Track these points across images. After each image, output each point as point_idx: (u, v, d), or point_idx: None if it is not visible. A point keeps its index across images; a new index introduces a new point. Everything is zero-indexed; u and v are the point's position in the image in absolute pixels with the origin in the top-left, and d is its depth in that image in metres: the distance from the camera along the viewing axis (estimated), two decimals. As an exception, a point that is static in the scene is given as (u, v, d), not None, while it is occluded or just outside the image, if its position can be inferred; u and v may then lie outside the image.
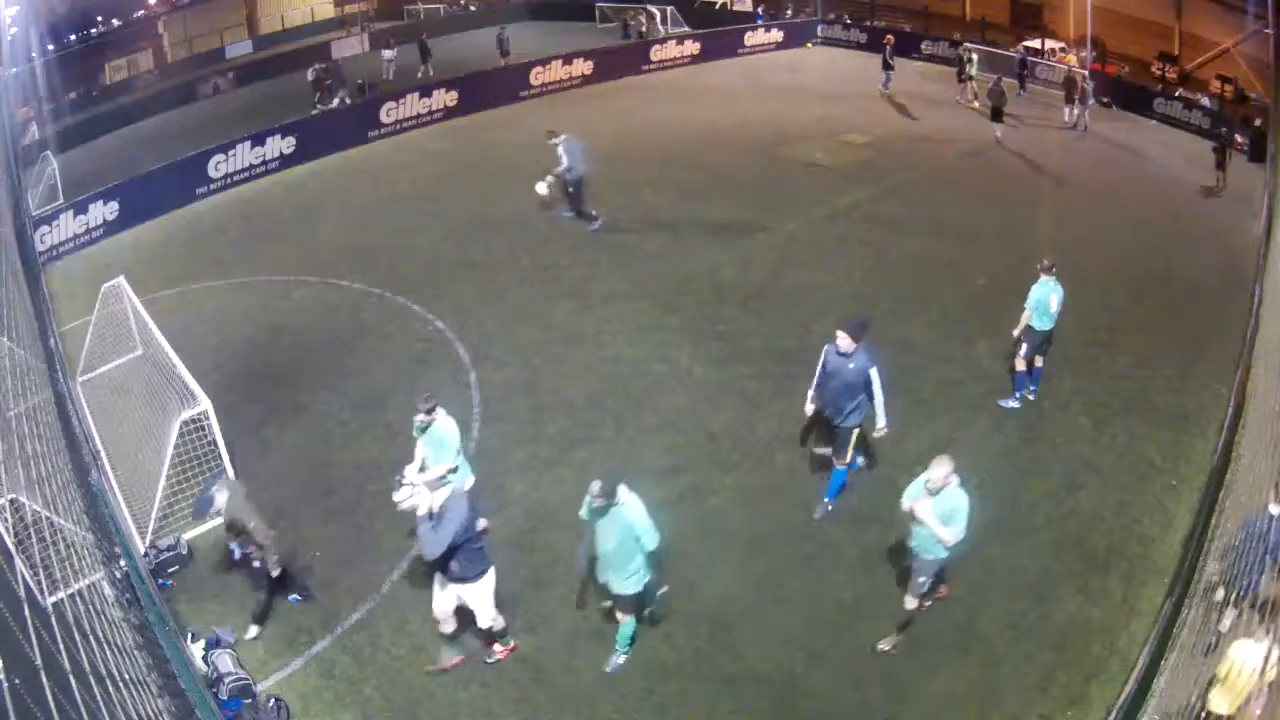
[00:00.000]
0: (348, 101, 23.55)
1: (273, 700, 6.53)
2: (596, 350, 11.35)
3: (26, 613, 3.34)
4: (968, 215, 15.40)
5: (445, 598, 6.59)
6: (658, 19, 32.17)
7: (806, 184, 17.15)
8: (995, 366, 10.56)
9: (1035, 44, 27.69)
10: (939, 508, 6.29)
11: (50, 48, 30.19)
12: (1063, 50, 27.31)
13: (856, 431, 7.96)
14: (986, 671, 6.72)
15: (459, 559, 6.28)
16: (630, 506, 6.19)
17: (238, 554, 7.19)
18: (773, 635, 7.11)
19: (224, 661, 6.56)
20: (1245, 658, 4.85)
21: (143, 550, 7.84)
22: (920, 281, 12.92)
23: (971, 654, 6.88)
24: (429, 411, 7.45)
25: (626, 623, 6.76)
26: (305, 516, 8.62)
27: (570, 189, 15.05)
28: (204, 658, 6.60)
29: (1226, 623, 5.54)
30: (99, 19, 36.31)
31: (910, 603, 6.76)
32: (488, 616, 6.64)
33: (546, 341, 11.61)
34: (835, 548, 7.99)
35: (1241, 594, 5.45)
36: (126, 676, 4.25)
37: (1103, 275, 12.95)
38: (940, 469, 6.24)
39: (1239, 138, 18.92)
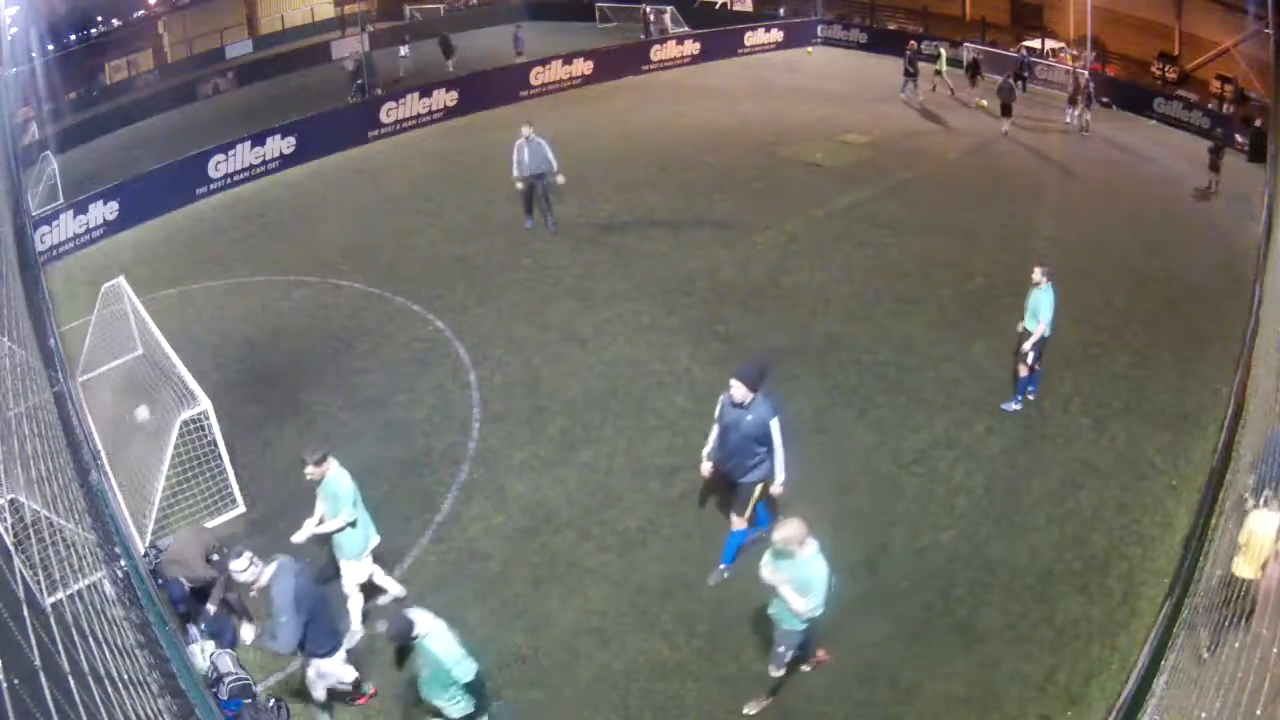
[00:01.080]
0: (379, 93, 23.99)
1: (273, 700, 6.52)
2: (596, 350, 11.36)
3: (26, 613, 3.34)
4: (968, 215, 15.40)
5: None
6: (667, 17, 32.21)
7: (806, 184, 17.15)
8: (995, 366, 10.56)
9: (1035, 44, 27.69)
10: (794, 574, 5.71)
11: (50, 48, 30.18)
12: (1063, 50, 27.31)
13: (759, 487, 7.21)
14: (986, 671, 6.72)
15: (306, 632, 5.84)
16: (434, 639, 5.44)
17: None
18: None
19: (224, 661, 6.56)
20: (1263, 527, 5.58)
21: (143, 550, 7.83)
22: (920, 281, 12.92)
23: (971, 654, 6.88)
24: (317, 463, 6.72)
25: None
26: (305, 516, 8.59)
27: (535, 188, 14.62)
28: (211, 656, 6.61)
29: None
30: (99, 19, 36.29)
31: (775, 671, 6.22)
32: (321, 690, 6.25)
33: (546, 341, 11.61)
34: (835, 548, 7.95)
35: (1273, 493, 5.95)
36: (126, 677, 4.25)
37: (1103, 275, 12.96)
38: (787, 530, 5.64)
39: (1239, 138, 18.93)
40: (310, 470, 6.76)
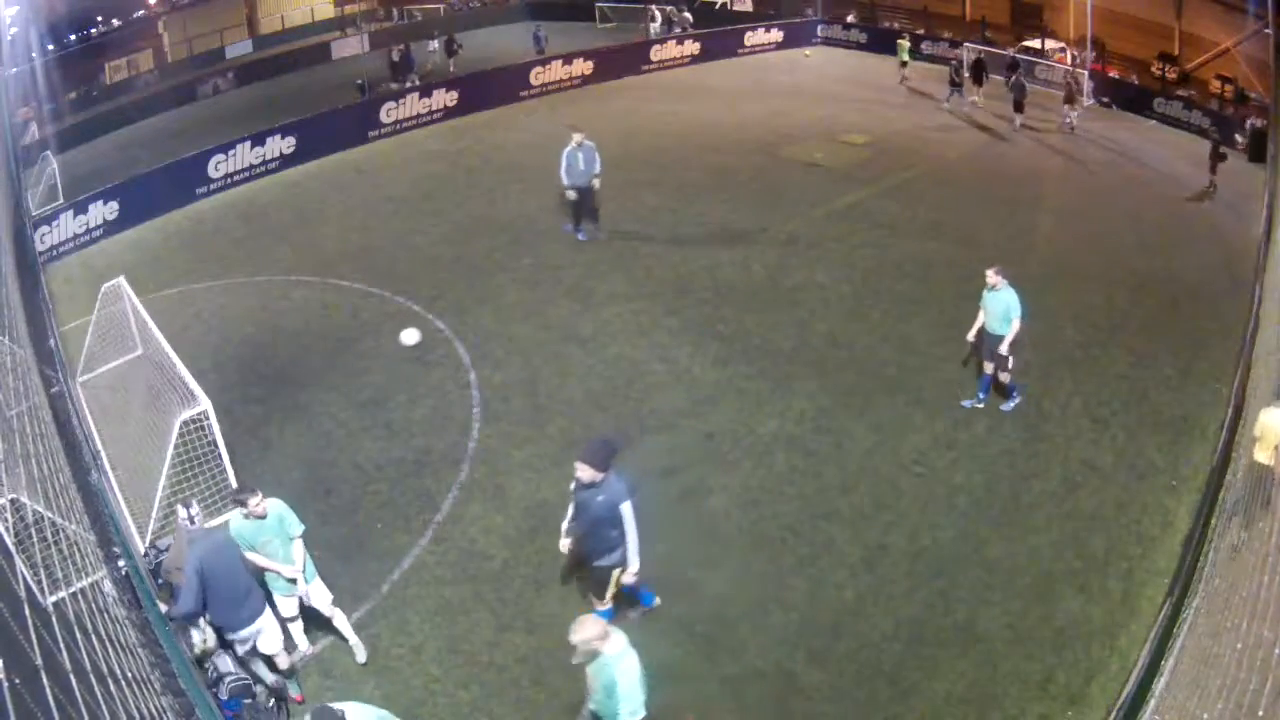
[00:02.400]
0: (416, 82, 24.72)
1: (273, 700, 6.52)
2: (596, 350, 11.36)
3: (27, 612, 3.35)
4: (967, 215, 15.41)
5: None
6: (687, 14, 32.29)
7: (806, 184, 17.15)
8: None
9: (1035, 44, 27.70)
10: (601, 676, 5.22)
11: (50, 48, 30.19)
12: (1061, 51, 27.31)
13: (617, 573, 6.67)
14: (986, 671, 6.72)
15: (208, 604, 6.13)
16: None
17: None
18: (773, 635, 7.12)
19: (224, 661, 6.56)
20: (1274, 420, 6.58)
21: (143, 550, 7.84)
22: (920, 281, 12.92)
23: (971, 654, 6.88)
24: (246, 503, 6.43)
25: None
26: (305, 516, 8.52)
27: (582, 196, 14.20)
28: (211, 656, 6.62)
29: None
30: (99, 19, 36.30)
31: None
32: (277, 651, 6.48)
33: (546, 341, 11.62)
34: (835, 548, 8.00)
35: None
36: (127, 676, 4.25)
37: (1103, 275, 12.97)
38: (582, 631, 5.07)
39: (1238, 137, 18.93)
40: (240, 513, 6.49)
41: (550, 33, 31.57)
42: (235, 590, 6.30)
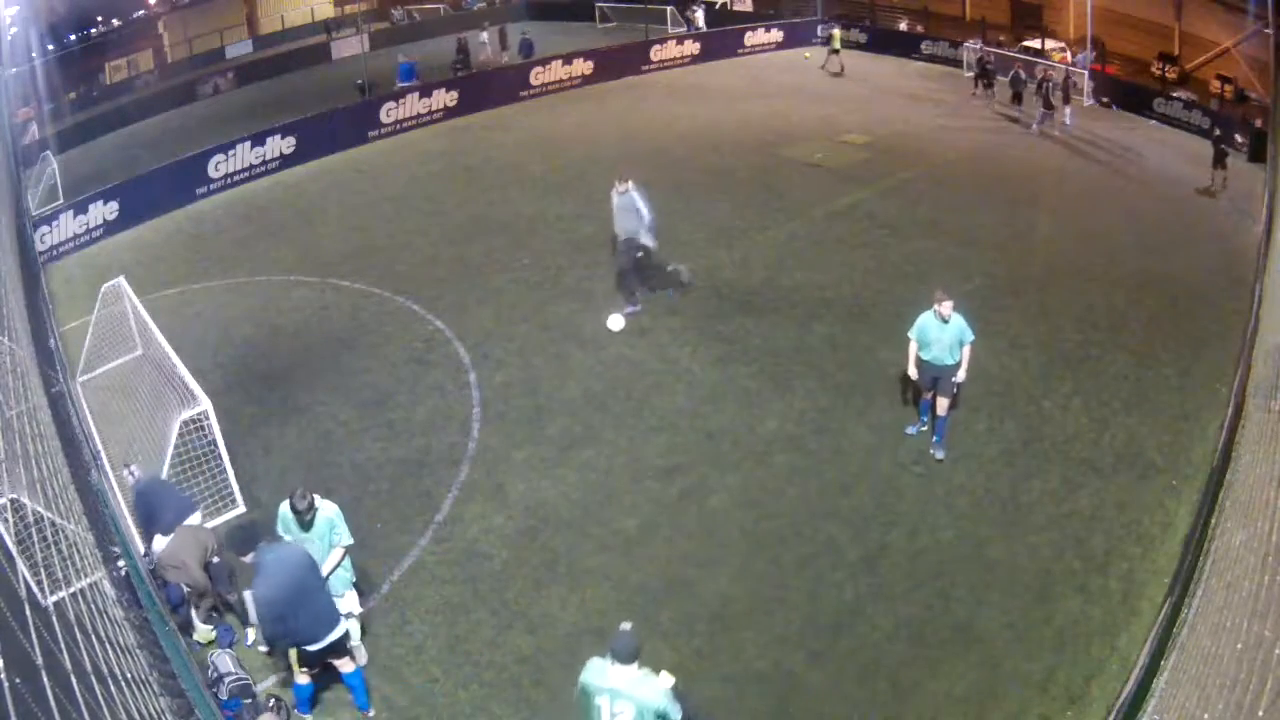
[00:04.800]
0: (474, 71, 26.16)
1: (273, 700, 6.52)
2: (596, 350, 11.35)
3: (27, 612, 3.35)
4: (967, 215, 15.40)
5: None
6: (701, 13, 32.30)
7: (806, 184, 17.15)
8: (994, 366, 10.55)
9: (1035, 43, 27.71)
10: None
11: (50, 48, 30.16)
12: (1059, 50, 27.33)
13: None
14: (986, 671, 6.72)
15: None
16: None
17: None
18: (773, 635, 7.12)
19: (224, 661, 6.57)
20: None
21: (143, 550, 7.83)
22: (920, 281, 12.89)
23: (971, 654, 6.88)
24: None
25: None
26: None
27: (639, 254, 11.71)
28: (210, 655, 6.62)
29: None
30: (99, 19, 36.28)
31: None
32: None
33: (546, 341, 11.61)
34: (835, 548, 8.00)
35: None
36: (127, 675, 4.25)
37: (1103, 275, 12.97)
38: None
39: (1238, 137, 18.93)
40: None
41: (550, 33, 31.57)
42: (165, 501, 7.28)
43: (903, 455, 9.18)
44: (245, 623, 7.20)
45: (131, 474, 7.84)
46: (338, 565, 6.68)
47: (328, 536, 6.60)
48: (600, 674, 5.16)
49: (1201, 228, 15.12)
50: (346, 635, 6.34)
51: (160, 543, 7.08)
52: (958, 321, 8.65)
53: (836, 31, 26.75)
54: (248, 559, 6.05)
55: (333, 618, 6.16)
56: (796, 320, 11.90)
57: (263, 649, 6.88)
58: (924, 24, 30.25)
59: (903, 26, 31.72)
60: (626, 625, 5.36)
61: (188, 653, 6.22)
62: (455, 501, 8.79)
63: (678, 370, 10.85)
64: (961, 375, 8.76)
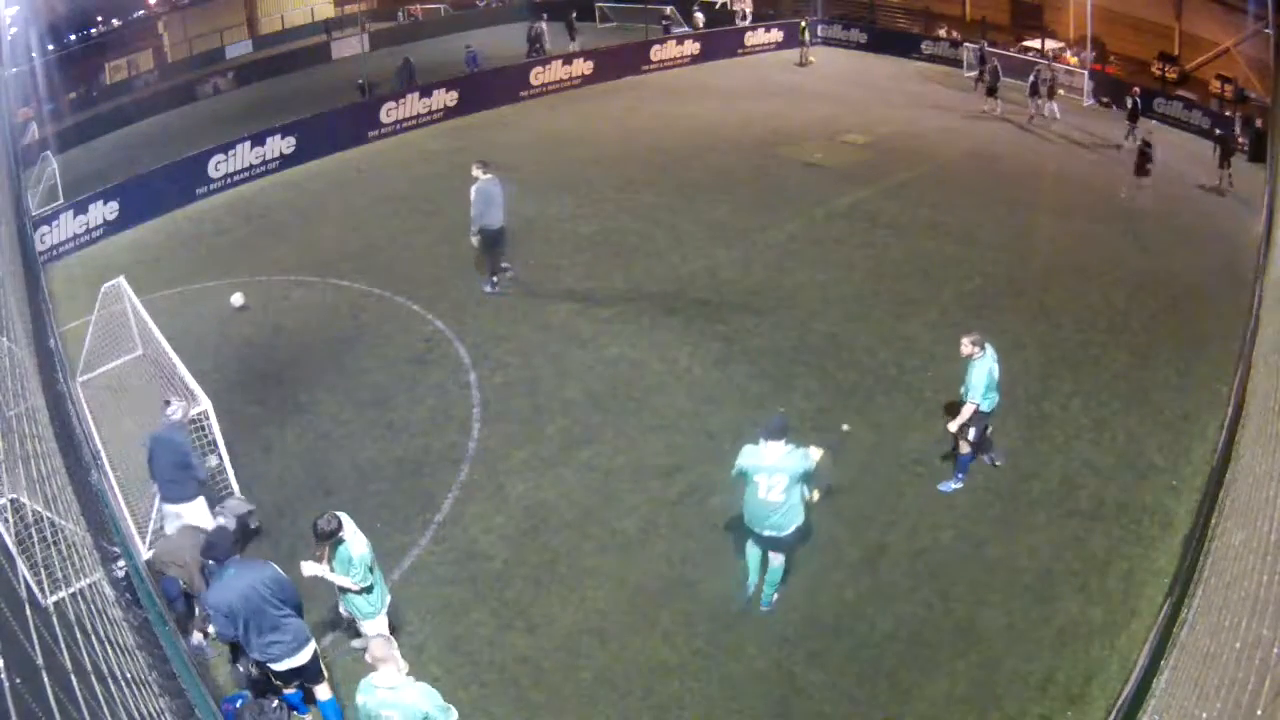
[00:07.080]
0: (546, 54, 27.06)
1: (274, 700, 6.52)
2: (596, 350, 11.36)
3: (28, 612, 3.35)
4: (967, 215, 15.41)
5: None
6: (700, 15, 32.35)
7: (806, 184, 17.15)
8: (995, 366, 10.55)
9: (1035, 43, 27.71)
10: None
11: (50, 48, 30.15)
12: (1061, 50, 27.34)
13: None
14: (986, 672, 6.72)
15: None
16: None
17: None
18: (773, 635, 7.12)
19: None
20: None
21: (143, 550, 7.83)
22: (920, 281, 12.93)
23: (971, 654, 6.88)
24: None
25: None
26: (305, 516, 8.59)
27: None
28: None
29: None
30: (99, 19, 36.27)
31: None
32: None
33: (546, 341, 11.61)
34: (835, 548, 7.99)
35: None
36: (127, 675, 4.25)
37: (1103, 275, 12.97)
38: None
39: (1239, 137, 18.93)
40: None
41: (550, 33, 31.51)
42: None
43: (903, 455, 9.18)
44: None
45: (169, 416, 7.75)
46: (352, 591, 6.40)
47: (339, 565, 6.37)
48: (755, 456, 6.62)
49: (1201, 227, 15.13)
50: (316, 659, 6.19)
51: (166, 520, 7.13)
52: (970, 367, 8.11)
53: (802, 23, 28.41)
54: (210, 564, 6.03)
55: (297, 642, 6.03)
56: (796, 320, 11.90)
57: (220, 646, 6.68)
58: (924, 24, 30.24)
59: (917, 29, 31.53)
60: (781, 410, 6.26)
61: (187, 653, 6.22)
62: (455, 501, 8.79)
63: (678, 370, 10.85)
64: (956, 422, 8.32)
